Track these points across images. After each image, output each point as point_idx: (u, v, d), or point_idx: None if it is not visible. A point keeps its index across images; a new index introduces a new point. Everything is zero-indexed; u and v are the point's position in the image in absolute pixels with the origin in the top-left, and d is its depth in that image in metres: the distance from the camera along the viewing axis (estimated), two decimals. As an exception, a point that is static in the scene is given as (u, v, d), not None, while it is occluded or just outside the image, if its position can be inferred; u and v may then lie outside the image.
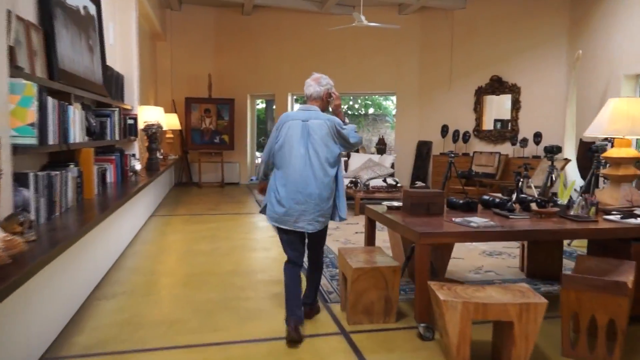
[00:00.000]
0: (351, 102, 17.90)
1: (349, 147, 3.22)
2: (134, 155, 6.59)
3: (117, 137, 5.39)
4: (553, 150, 6.85)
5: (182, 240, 5.90)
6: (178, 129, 11.24)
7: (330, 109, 3.34)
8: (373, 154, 11.49)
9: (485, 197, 4.00)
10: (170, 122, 10.72)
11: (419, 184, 8.36)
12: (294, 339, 2.92)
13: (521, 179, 6.50)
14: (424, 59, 10.96)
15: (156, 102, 10.85)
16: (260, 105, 17.12)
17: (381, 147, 11.47)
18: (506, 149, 9.60)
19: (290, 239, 3.18)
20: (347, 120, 3.30)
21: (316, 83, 3.22)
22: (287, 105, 11.86)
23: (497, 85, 9.80)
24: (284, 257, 3.24)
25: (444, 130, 10.36)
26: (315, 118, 3.12)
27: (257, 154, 13.76)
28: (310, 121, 3.10)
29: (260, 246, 5.63)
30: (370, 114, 17.78)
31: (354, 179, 8.99)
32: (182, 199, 9.38)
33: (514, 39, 9.56)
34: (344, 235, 6.19)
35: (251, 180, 12.34)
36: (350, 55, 11.28)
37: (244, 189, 11.15)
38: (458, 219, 3.33)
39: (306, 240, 3.23)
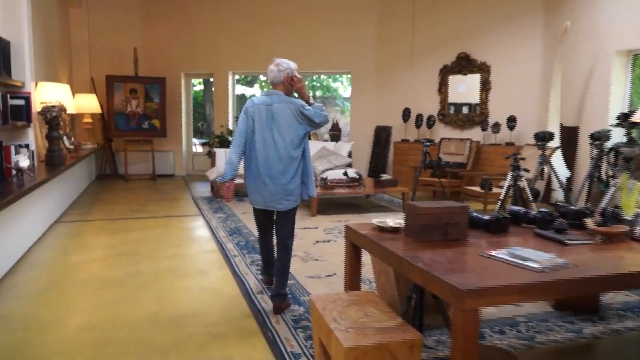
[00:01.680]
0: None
1: (315, 126, 3.38)
2: (26, 146, 5.03)
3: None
4: (545, 138, 5.87)
5: (89, 261, 4.44)
6: (98, 113, 9.53)
7: (295, 93, 3.44)
8: (327, 141, 10.27)
9: (515, 208, 2.85)
10: (87, 104, 9.01)
11: (385, 176, 7.22)
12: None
13: (519, 173, 5.49)
14: (382, 33, 9.77)
15: (70, 81, 9.09)
16: (199, 86, 15.46)
17: (335, 134, 10.25)
18: (476, 134, 8.63)
19: (259, 217, 3.53)
20: (312, 100, 3.42)
21: (276, 68, 3.36)
22: (227, 86, 10.39)
23: (464, 64, 8.76)
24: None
25: (406, 114, 9.25)
26: (278, 102, 3.29)
27: (195, 140, 12.19)
28: (273, 105, 3.28)
29: (195, 268, 4.27)
30: (317, 97, 16.51)
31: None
32: (102, 197, 7.78)
33: (483, 10, 8.52)
34: (303, 247, 4.93)
35: (218, 180, 10.87)
36: (299, 29, 9.93)
37: (178, 182, 9.63)
38: (501, 253, 2.14)
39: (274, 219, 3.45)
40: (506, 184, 5.77)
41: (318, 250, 4.84)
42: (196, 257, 4.62)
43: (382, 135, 9.81)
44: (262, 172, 3.27)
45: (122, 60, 9.84)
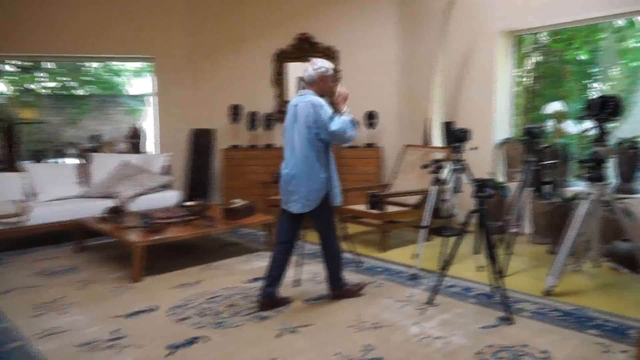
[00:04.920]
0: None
1: (327, 134, 3.21)
2: None
3: None
4: (462, 137, 4.44)
5: None
6: None
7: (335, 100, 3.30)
8: (124, 152, 7.47)
9: None
10: None
11: (238, 202, 4.96)
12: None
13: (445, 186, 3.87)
14: (197, 10, 7.39)
15: None
16: None
17: (135, 142, 7.52)
18: (327, 136, 6.96)
19: (282, 217, 3.49)
20: (345, 111, 3.32)
21: (311, 67, 3.34)
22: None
23: (306, 48, 7.01)
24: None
25: (235, 112, 7.10)
26: (303, 101, 3.28)
27: None
28: (299, 105, 3.30)
29: None
30: (93, 96, 12.83)
31: (112, 198, 5.13)
32: None
33: (326, -18, 6.91)
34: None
35: None
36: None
37: None
38: None
39: (301, 222, 3.47)
40: (431, 200, 4.18)
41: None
42: None
43: (202, 140, 7.44)
44: (285, 172, 3.36)
45: None
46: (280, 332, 3.13)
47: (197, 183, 7.33)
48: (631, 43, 5.69)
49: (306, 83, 3.36)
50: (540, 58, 6.15)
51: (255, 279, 4.09)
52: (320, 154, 3.29)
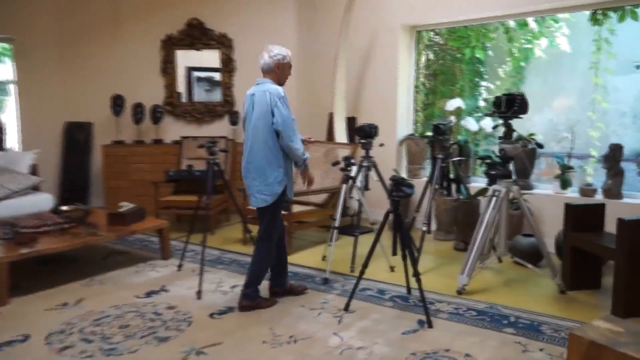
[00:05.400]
0: None
1: (281, 129, 3.09)
2: None
3: None
4: (371, 133, 4.29)
5: None
6: None
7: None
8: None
9: None
10: None
11: (125, 204, 4.34)
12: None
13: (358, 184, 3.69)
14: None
15: None
16: None
17: (-6, 136, 6.46)
18: (221, 129, 6.52)
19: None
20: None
21: (267, 54, 3.19)
22: None
23: (198, 35, 6.48)
24: None
25: (117, 104, 6.37)
26: (260, 90, 3.14)
27: None
28: (255, 94, 3.16)
29: None
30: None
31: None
32: None
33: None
34: None
35: None
36: None
37: None
38: None
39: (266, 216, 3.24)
40: (341, 198, 3.99)
41: None
42: None
43: (78, 136, 6.61)
44: (244, 163, 3.22)
45: None
46: (185, 355, 2.74)
47: (73, 184, 6.49)
48: (519, 44, 5.96)
49: (264, 71, 3.21)
50: (432, 56, 6.25)
51: (151, 293, 3.60)
52: (277, 146, 3.14)
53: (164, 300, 3.48)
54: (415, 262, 3.17)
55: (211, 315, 3.25)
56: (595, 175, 4.72)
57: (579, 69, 6.50)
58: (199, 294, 3.55)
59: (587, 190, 4.49)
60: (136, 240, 5.04)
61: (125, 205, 4.31)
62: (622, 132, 5.77)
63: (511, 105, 3.54)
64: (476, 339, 2.91)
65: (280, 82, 3.23)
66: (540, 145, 3.68)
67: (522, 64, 6.22)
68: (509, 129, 3.64)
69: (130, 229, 4.17)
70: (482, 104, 6.24)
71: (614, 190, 4.31)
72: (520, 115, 3.56)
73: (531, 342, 2.87)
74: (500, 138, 3.68)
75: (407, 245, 3.21)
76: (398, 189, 3.16)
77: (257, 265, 3.27)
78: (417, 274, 3.12)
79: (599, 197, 4.43)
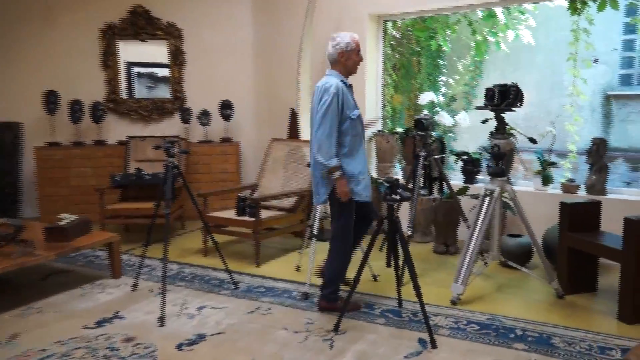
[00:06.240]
0: None
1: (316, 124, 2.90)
2: None
3: None
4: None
5: None
6: None
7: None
8: None
9: None
10: None
11: (66, 217, 3.70)
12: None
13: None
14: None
15: None
16: None
17: None
18: (172, 128, 5.94)
19: None
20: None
21: (330, 45, 2.97)
22: None
23: (142, 24, 5.84)
24: None
25: (52, 101, 5.64)
26: (320, 84, 2.95)
27: None
28: (317, 88, 2.97)
29: None
30: None
31: None
32: None
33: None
34: None
35: None
36: None
37: None
38: None
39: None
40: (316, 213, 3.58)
41: None
42: None
43: (3, 137, 5.81)
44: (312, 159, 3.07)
45: None
46: (153, 403, 2.24)
47: (0, 193, 5.70)
48: (482, 36, 5.74)
49: (330, 63, 3.00)
50: (389, 50, 5.93)
51: (102, 322, 3.05)
52: (346, 140, 2.95)
53: (120, 330, 2.94)
54: (414, 276, 2.81)
55: (179, 347, 2.75)
56: (575, 171, 4.56)
57: (543, 62, 6.40)
58: (161, 319, 3.03)
59: (569, 187, 4.31)
60: (79, 255, 4.40)
61: (67, 218, 3.70)
62: (580, 125, 5.66)
63: (505, 97, 3.26)
64: (489, 359, 2.59)
65: (350, 72, 3.00)
66: (533, 141, 3.41)
67: (486, 57, 6.04)
68: (502, 123, 3.35)
69: (74, 246, 3.56)
70: (441, 99, 6.01)
71: (597, 187, 4.15)
72: (515, 108, 3.29)
73: (548, 359, 2.58)
74: (491, 133, 3.39)
75: (407, 259, 2.85)
76: (394, 191, 2.79)
77: (331, 265, 3.10)
78: (417, 289, 2.76)
79: (581, 194, 4.26)
